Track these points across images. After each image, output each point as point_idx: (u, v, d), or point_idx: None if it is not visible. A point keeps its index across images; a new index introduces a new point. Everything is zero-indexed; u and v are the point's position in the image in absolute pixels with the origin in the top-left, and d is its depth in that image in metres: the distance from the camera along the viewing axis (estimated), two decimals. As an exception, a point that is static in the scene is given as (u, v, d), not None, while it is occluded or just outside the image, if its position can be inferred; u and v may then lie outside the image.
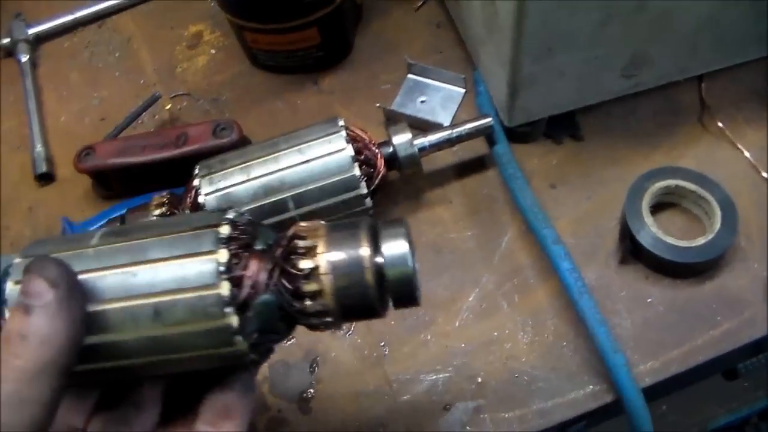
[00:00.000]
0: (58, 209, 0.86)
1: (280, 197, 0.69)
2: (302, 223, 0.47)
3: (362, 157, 0.71)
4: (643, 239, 0.70)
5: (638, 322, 0.70)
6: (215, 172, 0.71)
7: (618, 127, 0.81)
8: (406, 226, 0.46)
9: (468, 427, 0.67)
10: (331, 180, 0.69)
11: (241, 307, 0.43)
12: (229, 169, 0.70)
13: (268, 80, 0.92)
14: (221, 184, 0.70)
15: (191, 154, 0.79)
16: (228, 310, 0.43)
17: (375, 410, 0.69)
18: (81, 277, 0.44)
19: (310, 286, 0.44)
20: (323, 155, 0.69)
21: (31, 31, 1.00)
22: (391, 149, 0.73)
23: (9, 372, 0.39)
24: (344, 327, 0.73)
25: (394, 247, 0.45)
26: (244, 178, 0.70)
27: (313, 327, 0.46)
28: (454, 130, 0.76)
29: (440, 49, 0.90)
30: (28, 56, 0.98)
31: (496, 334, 0.71)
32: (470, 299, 0.73)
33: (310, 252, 0.45)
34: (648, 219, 0.71)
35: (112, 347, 0.44)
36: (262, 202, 0.69)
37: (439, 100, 0.86)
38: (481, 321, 0.72)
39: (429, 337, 0.72)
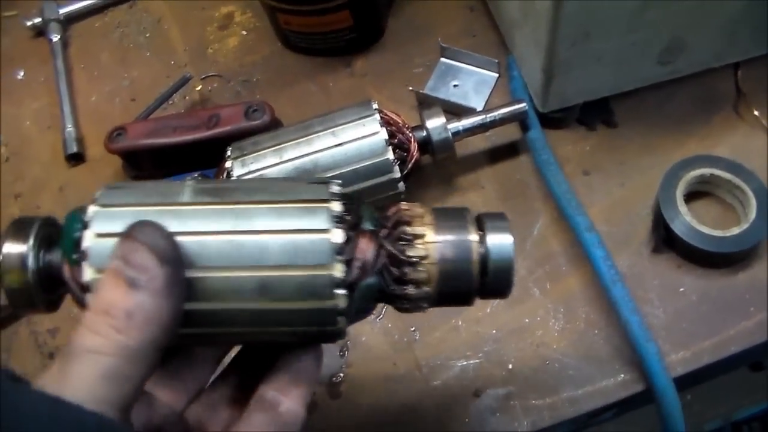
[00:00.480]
0: (89, 189, 0.83)
1: (314, 180, 0.69)
2: (403, 205, 0.46)
3: (395, 140, 0.71)
4: (677, 228, 0.70)
5: (670, 312, 0.70)
6: (248, 154, 0.70)
7: (652, 114, 0.80)
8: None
9: (498, 414, 0.67)
10: (365, 163, 0.69)
11: (349, 289, 0.43)
12: (262, 151, 0.70)
13: (300, 62, 0.92)
14: (254, 167, 0.70)
15: (223, 135, 0.78)
16: (339, 291, 0.42)
17: (405, 395, 0.69)
18: (179, 239, 0.41)
19: (418, 275, 0.44)
20: (357, 138, 0.69)
21: (63, 10, 1.00)
22: (424, 133, 0.73)
23: (111, 347, 0.37)
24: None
25: (500, 239, 0.46)
26: (277, 160, 0.69)
27: (403, 310, 0.46)
28: (488, 115, 0.75)
29: (474, 32, 0.90)
30: (59, 36, 0.98)
31: (527, 321, 0.71)
32: (501, 285, 0.73)
33: (417, 239, 0.45)
34: (682, 208, 0.71)
35: (207, 315, 0.42)
36: (295, 185, 0.69)
37: (472, 85, 0.85)
38: (512, 307, 0.72)
39: (460, 322, 0.72)
